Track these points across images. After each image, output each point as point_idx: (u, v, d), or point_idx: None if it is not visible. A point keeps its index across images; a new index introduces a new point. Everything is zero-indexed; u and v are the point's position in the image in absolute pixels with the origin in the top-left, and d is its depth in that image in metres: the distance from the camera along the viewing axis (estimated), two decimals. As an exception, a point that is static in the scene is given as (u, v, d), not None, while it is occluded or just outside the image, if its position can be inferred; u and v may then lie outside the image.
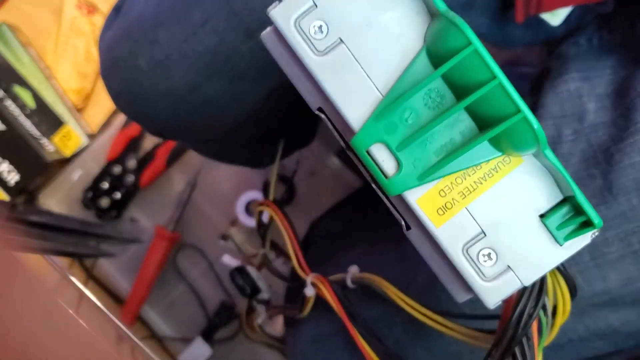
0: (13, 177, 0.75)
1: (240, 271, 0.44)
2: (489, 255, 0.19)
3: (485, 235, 0.19)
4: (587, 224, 0.19)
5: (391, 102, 0.19)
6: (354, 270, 0.36)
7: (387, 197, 0.21)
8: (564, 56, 0.41)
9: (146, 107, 0.36)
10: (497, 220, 0.19)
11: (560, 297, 0.24)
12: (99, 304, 0.69)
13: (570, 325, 0.35)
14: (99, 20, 0.83)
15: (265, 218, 0.42)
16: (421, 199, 0.19)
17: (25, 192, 0.77)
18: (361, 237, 0.44)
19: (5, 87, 0.77)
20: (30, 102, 0.78)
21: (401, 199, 0.20)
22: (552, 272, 0.23)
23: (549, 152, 0.19)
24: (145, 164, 0.77)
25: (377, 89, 0.20)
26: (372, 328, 0.34)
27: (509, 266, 0.20)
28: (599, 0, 0.38)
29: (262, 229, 0.43)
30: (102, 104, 0.85)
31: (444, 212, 0.19)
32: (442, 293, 0.37)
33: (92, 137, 0.81)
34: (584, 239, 0.20)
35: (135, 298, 0.75)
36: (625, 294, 0.33)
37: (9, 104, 0.76)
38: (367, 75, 0.20)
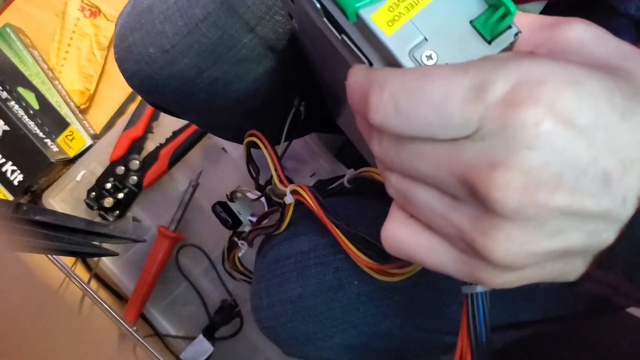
0: (17, 177, 0.76)
1: (222, 205, 0.47)
2: (430, 56, 0.22)
3: (427, 40, 0.23)
4: (505, 15, 0.22)
5: None
6: (350, 171, 0.39)
7: (350, 38, 0.24)
8: None
9: (156, 86, 0.41)
10: (436, 27, 0.23)
11: None
12: (102, 302, 0.70)
13: None
14: (102, 23, 0.83)
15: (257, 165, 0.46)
16: (374, 15, 0.23)
17: (29, 191, 0.78)
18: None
19: (9, 88, 0.77)
20: (34, 103, 0.79)
21: (360, 26, 0.23)
22: None
23: None
24: (148, 164, 0.78)
25: None
26: (347, 221, 0.36)
27: (447, 63, 0.23)
28: None
29: (252, 167, 0.46)
30: (106, 106, 0.85)
31: (392, 24, 0.23)
32: None
33: (95, 137, 0.82)
34: (508, 38, 0.23)
35: (138, 296, 0.76)
36: None
37: (13, 105, 0.77)
38: None
